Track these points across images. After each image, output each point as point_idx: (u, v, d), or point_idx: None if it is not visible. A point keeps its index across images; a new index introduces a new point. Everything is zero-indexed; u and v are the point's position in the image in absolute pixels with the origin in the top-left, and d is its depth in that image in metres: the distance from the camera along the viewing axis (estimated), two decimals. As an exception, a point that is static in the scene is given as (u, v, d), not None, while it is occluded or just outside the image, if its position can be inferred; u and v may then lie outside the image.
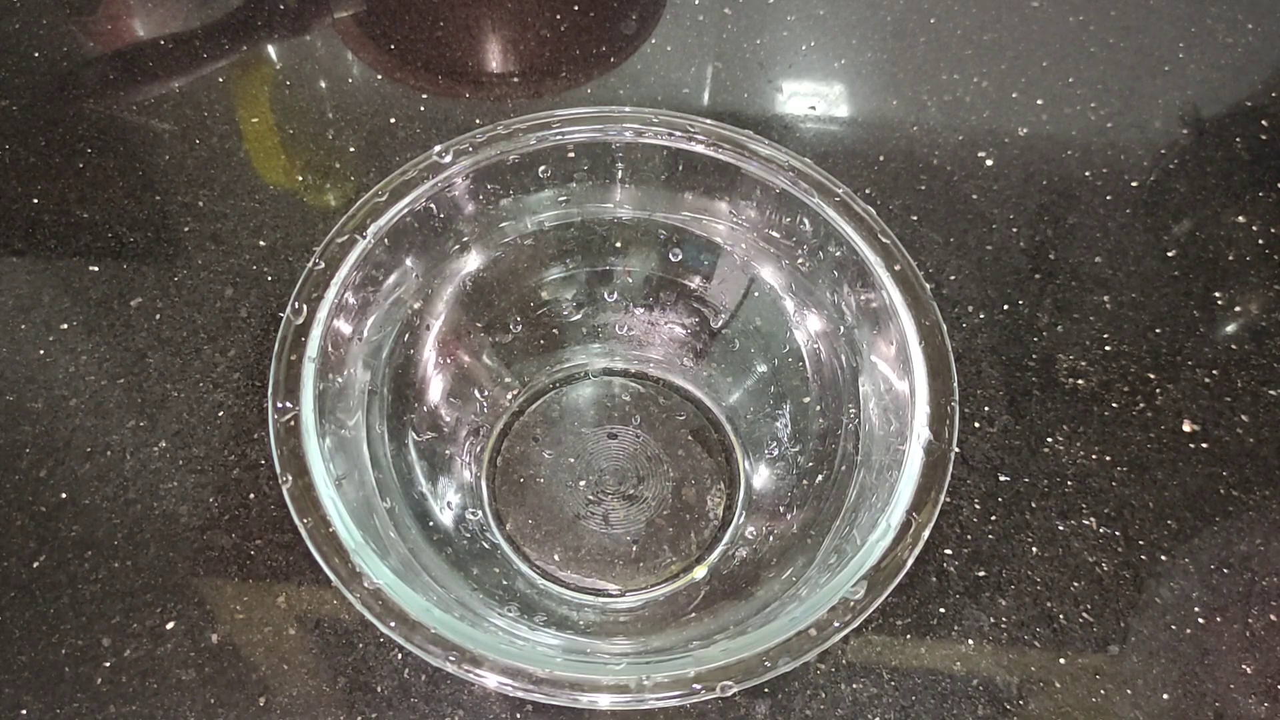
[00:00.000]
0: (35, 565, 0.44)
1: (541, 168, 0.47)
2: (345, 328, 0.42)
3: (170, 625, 0.43)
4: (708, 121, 0.46)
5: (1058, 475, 0.48)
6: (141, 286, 0.53)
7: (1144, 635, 0.44)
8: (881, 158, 0.59)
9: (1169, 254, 0.56)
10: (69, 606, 0.43)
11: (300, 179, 0.58)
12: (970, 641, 0.43)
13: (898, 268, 0.43)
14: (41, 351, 0.50)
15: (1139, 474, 0.48)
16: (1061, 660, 0.43)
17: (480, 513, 0.46)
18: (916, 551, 0.36)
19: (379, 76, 0.63)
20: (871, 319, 0.44)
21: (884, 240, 0.43)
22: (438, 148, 0.45)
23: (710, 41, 0.65)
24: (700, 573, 0.45)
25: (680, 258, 0.49)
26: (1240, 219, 0.58)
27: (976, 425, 0.49)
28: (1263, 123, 0.62)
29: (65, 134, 0.59)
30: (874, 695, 0.42)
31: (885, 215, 0.55)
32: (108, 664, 0.42)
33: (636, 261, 0.50)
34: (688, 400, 0.50)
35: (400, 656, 0.42)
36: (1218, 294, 0.54)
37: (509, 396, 0.50)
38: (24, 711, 0.41)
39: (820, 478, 0.45)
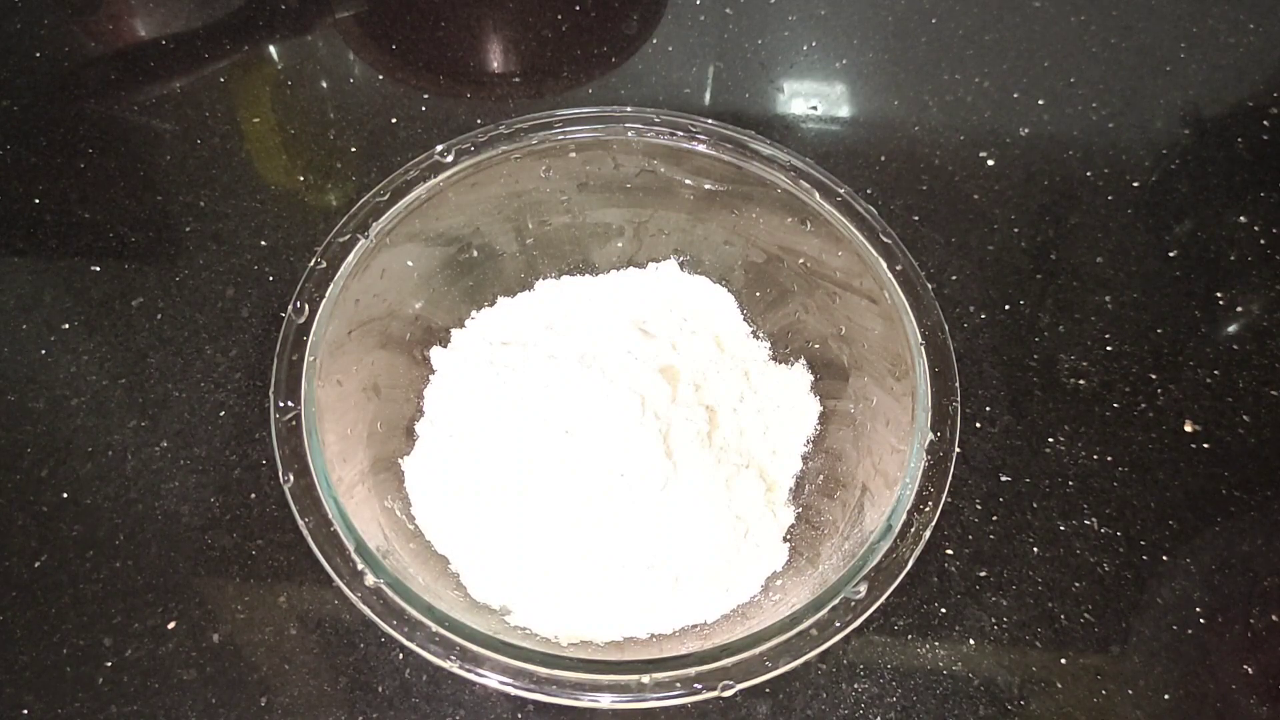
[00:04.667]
0: (37, 565, 0.44)
1: (544, 167, 0.47)
2: (347, 326, 0.42)
3: (171, 625, 0.43)
4: (709, 121, 0.46)
5: (1059, 475, 0.48)
6: (143, 286, 0.53)
7: (1145, 636, 0.44)
8: (883, 158, 0.59)
9: (1170, 254, 0.56)
10: (70, 606, 0.43)
11: (302, 179, 0.58)
12: (972, 641, 0.43)
13: (899, 268, 0.43)
14: (43, 351, 0.50)
15: (1140, 474, 0.48)
16: (1063, 660, 0.43)
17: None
18: (918, 551, 0.36)
19: (380, 76, 0.63)
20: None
21: (885, 240, 0.43)
22: (439, 147, 0.45)
23: (711, 42, 0.65)
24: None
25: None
26: (1242, 219, 0.58)
27: (978, 425, 0.49)
28: (1264, 123, 0.62)
29: (67, 134, 0.59)
30: (875, 695, 0.42)
31: (887, 215, 0.55)
32: (109, 664, 0.42)
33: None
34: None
35: (401, 656, 0.42)
36: (1219, 294, 0.54)
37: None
38: (25, 711, 0.41)
39: (822, 479, 0.45)
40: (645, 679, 0.33)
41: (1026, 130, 0.61)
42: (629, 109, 0.46)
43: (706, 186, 0.47)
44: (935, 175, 0.59)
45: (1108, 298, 0.54)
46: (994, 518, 0.46)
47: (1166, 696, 0.42)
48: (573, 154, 0.46)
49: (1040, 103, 0.62)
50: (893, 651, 0.43)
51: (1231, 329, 0.53)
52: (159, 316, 0.52)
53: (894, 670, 0.42)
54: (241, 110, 0.60)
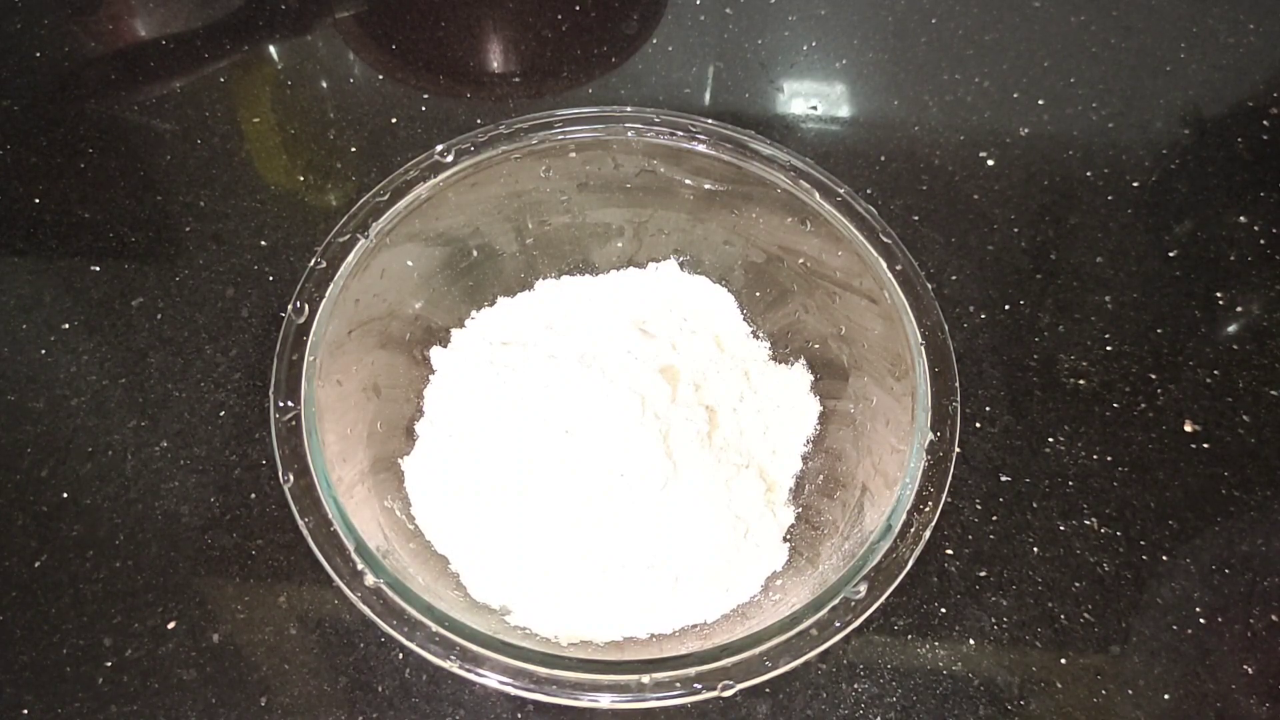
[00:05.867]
0: (37, 565, 0.44)
1: (544, 167, 0.47)
2: (347, 326, 0.42)
3: (171, 625, 0.43)
4: (709, 121, 0.46)
5: (1059, 475, 0.48)
6: (143, 286, 0.53)
7: (1145, 635, 0.44)
8: (883, 158, 0.59)
9: (1170, 254, 0.56)
10: (70, 606, 0.43)
11: (301, 179, 0.58)
12: (971, 641, 0.43)
13: (899, 268, 0.43)
14: (43, 351, 0.50)
15: (1140, 474, 0.48)
16: (1063, 660, 0.43)
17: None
18: (918, 551, 0.36)
19: (380, 76, 0.63)
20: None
21: (885, 240, 0.43)
22: (439, 147, 0.45)
23: (711, 42, 0.65)
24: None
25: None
26: (1242, 219, 0.58)
27: (978, 425, 0.49)
28: (1264, 123, 0.62)
29: (67, 134, 0.59)
30: (875, 695, 0.42)
31: (886, 215, 0.55)
32: (109, 664, 0.42)
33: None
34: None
35: (401, 656, 0.42)
36: (1219, 294, 0.54)
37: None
38: (25, 711, 0.41)
39: (822, 479, 0.45)
40: (645, 679, 0.33)
41: (1026, 130, 0.61)
42: (629, 109, 0.46)
43: (706, 186, 0.47)
44: (935, 175, 0.59)
45: (1108, 298, 0.54)
46: (994, 518, 0.46)
47: (1166, 696, 0.42)
48: (573, 154, 0.46)
49: (1040, 103, 0.62)
50: (893, 651, 0.43)
51: (1231, 329, 0.53)
52: (159, 316, 0.52)
53: (894, 670, 0.42)
54: (241, 110, 0.60)
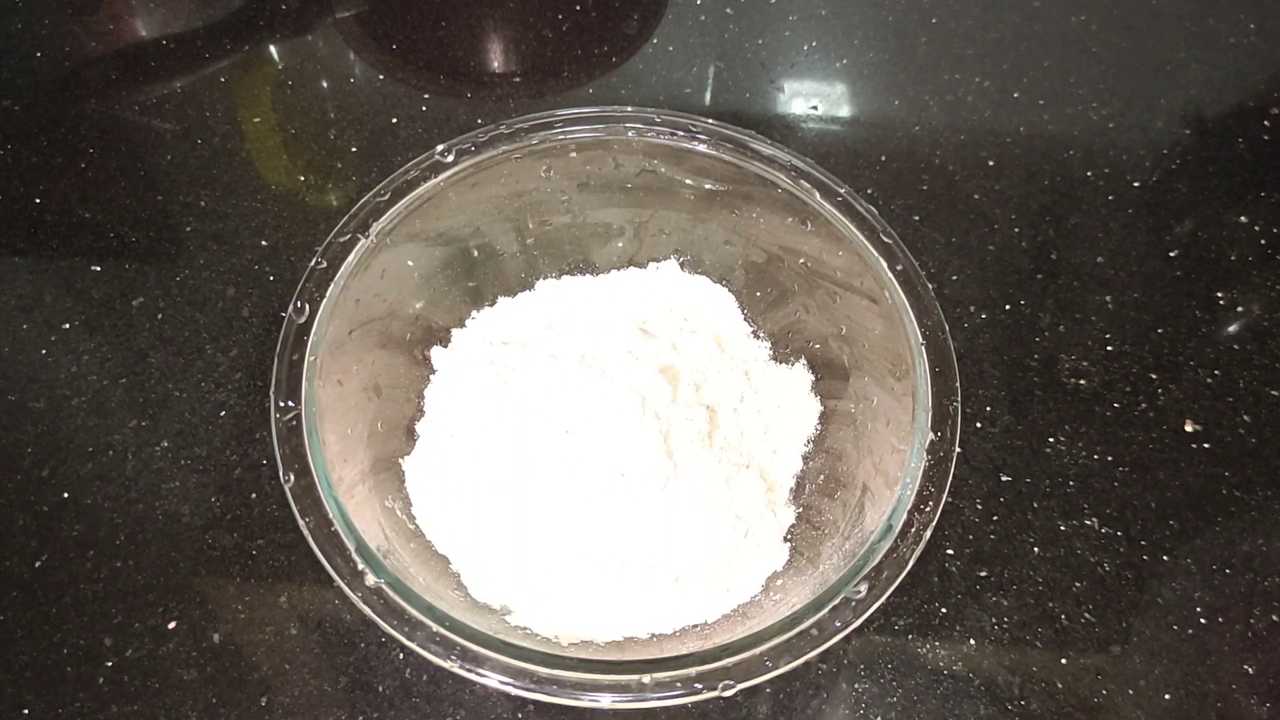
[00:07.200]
0: (37, 565, 0.44)
1: (544, 167, 0.47)
2: (348, 326, 0.42)
3: (172, 625, 0.43)
4: (710, 121, 0.46)
5: (1060, 475, 0.48)
6: (143, 286, 0.53)
7: (1146, 635, 0.44)
8: (883, 157, 0.59)
9: (1171, 254, 0.56)
10: (71, 606, 0.43)
11: (302, 179, 0.58)
12: (972, 641, 0.43)
13: (900, 268, 0.43)
14: (43, 351, 0.50)
15: (1141, 474, 0.48)
16: (1063, 660, 0.43)
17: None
18: (918, 551, 0.36)
19: (381, 76, 0.63)
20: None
21: (886, 240, 0.43)
22: (440, 147, 0.45)
23: (712, 41, 0.65)
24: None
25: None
26: (1242, 219, 0.58)
27: (978, 425, 0.49)
28: (1265, 123, 0.62)
29: (67, 134, 0.59)
30: (876, 695, 0.42)
31: (887, 215, 0.55)
32: (110, 663, 0.42)
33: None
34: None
35: (401, 656, 0.42)
36: (1220, 294, 0.54)
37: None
38: (26, 711, 0.41)
39: (822, 479, 0.45)
40: (645, 679, 0.33)
41: (1026, 130, 0.61)
42: (629, 109, 0.46)
43: (707, 186, 0.47)
44: (936, 175, 0.59)
45: (1108, 298, 0.54)
46: (994, 518, 0.46)
47: (1167, 696, 0.42)
48: (573, 154, 0.46)
49: (1040, 102, 0.62)
50: (893, 651, 0.43)
51: (1232, 329, 0.53)
52: (159, 316, 0.52)
53: (894, 670, 0.42)
54: (242, 110, 0.60)
